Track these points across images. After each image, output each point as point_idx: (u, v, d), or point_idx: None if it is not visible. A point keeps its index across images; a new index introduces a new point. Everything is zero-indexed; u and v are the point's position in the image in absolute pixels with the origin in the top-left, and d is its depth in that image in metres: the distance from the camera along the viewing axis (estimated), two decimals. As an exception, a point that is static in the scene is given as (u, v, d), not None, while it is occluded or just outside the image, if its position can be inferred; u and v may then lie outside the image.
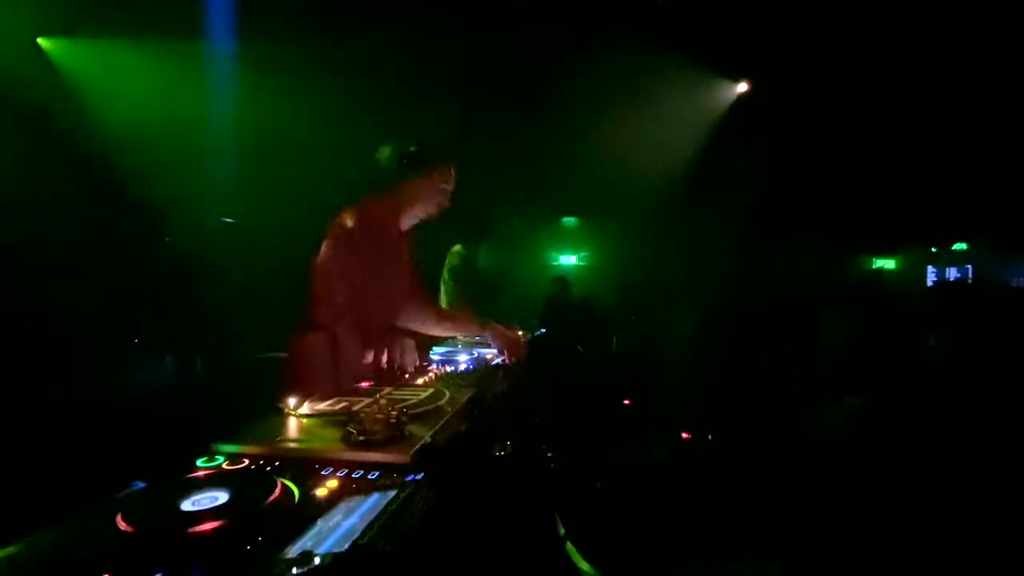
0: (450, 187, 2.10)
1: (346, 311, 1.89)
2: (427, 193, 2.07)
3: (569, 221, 9.63)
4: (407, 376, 1.75)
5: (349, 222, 1.93)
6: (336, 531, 0.75)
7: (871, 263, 9.47)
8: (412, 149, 2.04)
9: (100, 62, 4.80)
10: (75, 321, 3.81)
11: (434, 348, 2.30)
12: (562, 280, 5.76)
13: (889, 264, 9.54)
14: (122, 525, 0.72)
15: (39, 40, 4.61)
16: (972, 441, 2.03)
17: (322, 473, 0.95)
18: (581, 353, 3.51)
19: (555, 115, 6.03)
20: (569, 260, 9.64)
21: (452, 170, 2.10)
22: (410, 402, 1.28)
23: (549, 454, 1.78)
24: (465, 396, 1.40)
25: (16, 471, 2.25)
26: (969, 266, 8.98)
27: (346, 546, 0.72)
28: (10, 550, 0.71)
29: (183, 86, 4.67)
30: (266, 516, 0.77)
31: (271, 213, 4.60)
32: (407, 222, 2.11)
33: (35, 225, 3.99)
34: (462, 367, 1.91)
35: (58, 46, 4.69)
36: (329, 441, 1.07)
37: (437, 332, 2.19)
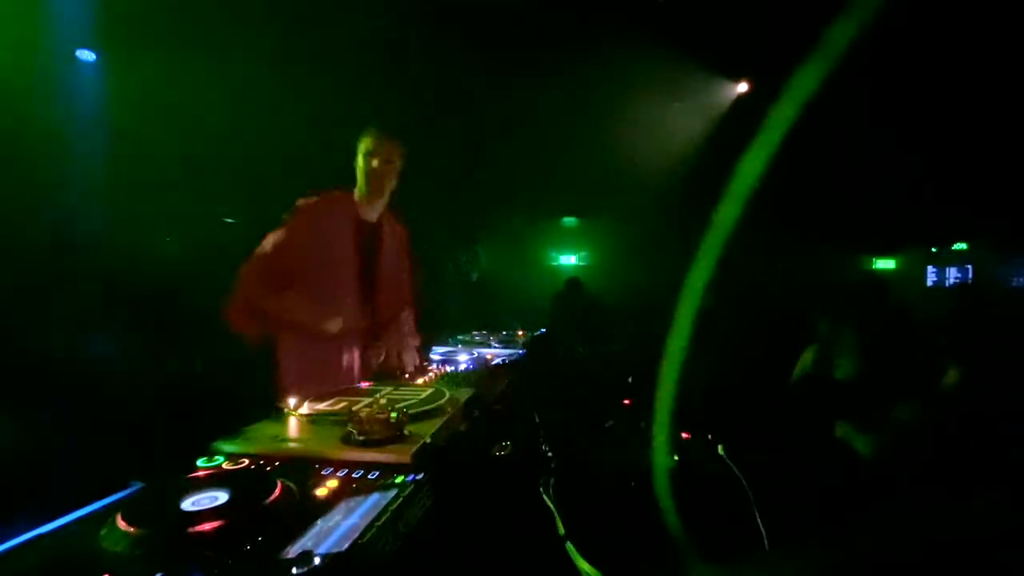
0: (376, 159, 1.93)
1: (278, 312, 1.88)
2: (363, 170, 1.95)
3: (569, 221, 9.64)
4: (407, 376, 1.75)
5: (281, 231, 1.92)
6: (336, 531, 0.75)
7: (871, 263, 9.47)
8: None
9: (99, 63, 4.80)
10: (74, 321, 3.81)
11: (434, 348, 2.30)
12: (573, 281, 5.75)
13: (889, 264, 9.54)
14: (122, 525, 0.72)
15: (39, 42, 4.61)
16: (977, 440, 2.03)
17: (322, 473, 0.95)
18: (581, 353, 3.51)
19: (555, 115, 6.03)
20: (569, 260, 9.65)
21: (372, 140, 1.94)
22: (410, 402, 1.28)
23: (549, 454, 1.78)
24: (465, 396, 1.40)
25: (16, 471, 2.25)
26: (969, 266, 8.98)
27: (346, 546, 0.72)
28: (10, 550, 0.71)
29: (183, 85, 4.67)
30: (266, 516, 0.77)
31: (272, 213, 4.59)
32: (366, 210, 2.01)
33: (35, 226, 4.00)
34: (462, 367, 1.91)
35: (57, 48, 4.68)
36: (329, 441, 1.07)
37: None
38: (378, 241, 2.05)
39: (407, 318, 2.15)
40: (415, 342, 2.07)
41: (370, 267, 2.02)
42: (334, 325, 1.91)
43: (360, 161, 1.95)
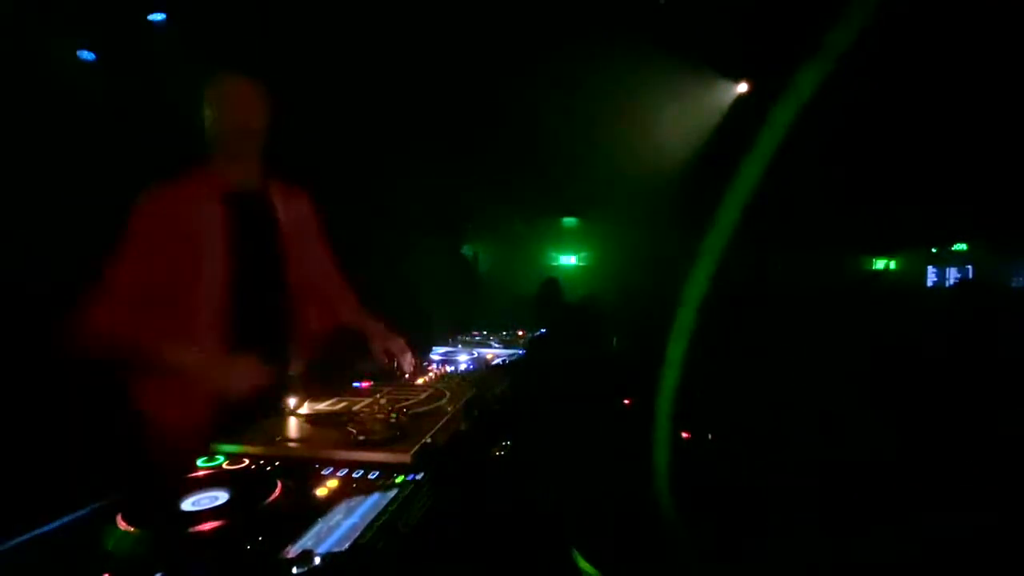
0: (228, 109, 1.55)
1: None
2: (213, 126, 1.55)
3: (569, 221, 9.65)
4: (407, 376, 1.75)
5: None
6: (336, 531, 0.75)
7: (871, 263, 9.48)
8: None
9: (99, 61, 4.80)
10: (74, 321, 3.81)
11: (434, 348, 2.30)
12: (551, 281, 5.75)
13: (889, 264, 9.55)
14: (122, 525, 0.72)
15: (42, 43, 4.61)
16: (978, 440, 2.03)
17: (322, 473, 0.95)
18: (581, 353, 3.51)
19: (556, 115, 6.03)
20: (569, 260, 9.66)
21: (221, 86, 1.56)
22: (410, 402, 1.29)
23: (548, 454, 1.78)
24: (465, 396, 1.40)
25: (16, 471, 2.25)
26: (969, 266, 8.99)
27: (346, 546, 0.72)
28: (11, 550, 0.71)
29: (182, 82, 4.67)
30: (266, 516, 0.78)
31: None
32: (230, 181, 1.57)
33: (36, 225, 4.00)
34: (462, 367, 1.91)
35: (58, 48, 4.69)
36: (329, 441, 1.07)
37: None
38: (263, 216, 1.62)
39: (359, 312, 1.84)
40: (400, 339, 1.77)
41: (258, 248, 1.58)
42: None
43: (208, 114, 1.54)
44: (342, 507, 0.82)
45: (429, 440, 1.07)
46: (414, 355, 1.81)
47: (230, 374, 1.38)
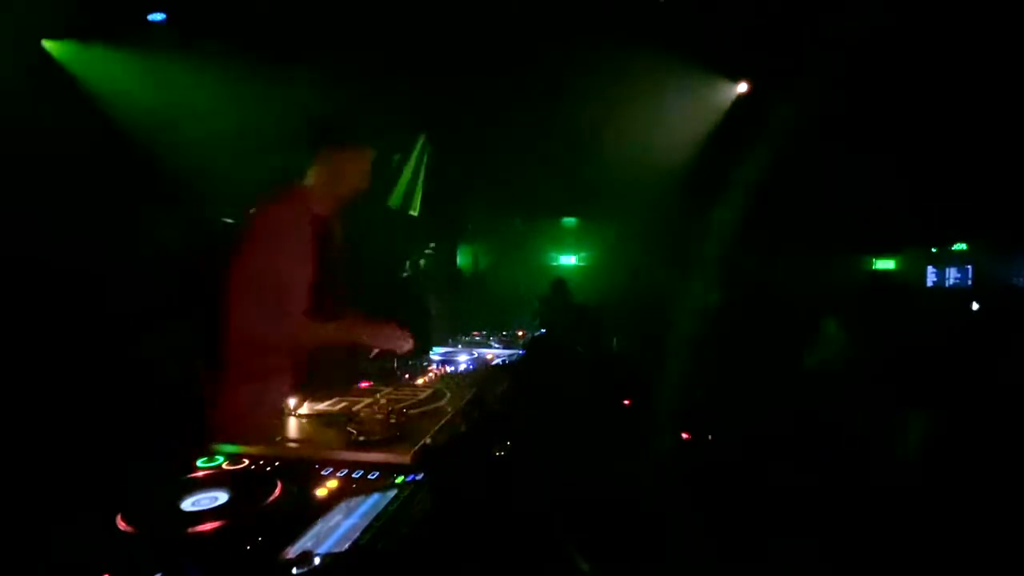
0: (367, 167, 1.86)
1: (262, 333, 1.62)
2: (343, 171, 1.84)
3: (569, 221, 9.65)
4: (407, 376, 1.75)
5: (253, 229, 1.72)
6: (336, 531, 0.75)
7: (871, 263, 9.48)
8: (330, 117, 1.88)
9: (101, 61, 4.80)
10: (75, 321, 3.81)
11: (434, 348, 2.30)
12: (559, 282, 5.77)
13: (889, 264, 9.55)
14: (122, 525, 0.72)
15: (43, 42, 4.60)
16: (976, 440, 2.03)
17: (322, 473, 0.95)
18: (581, 353, 3.51)
19: (555, 115, 6.03)
20: (569, 260, 9.67)
21: (372, 155, 1.88)
22: (410, 402, 1.29)
23: (548, 454, 1.78)
24: (465, 396, 1.41)
25: (16, 471, 2.25)
26: (969, 266, 8.98)
27: (346, 546, 0.72)
28: (10, 550, 0.70)
29: (182, 82, 4.67)
30: (266, 516, 0.77)
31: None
32: (322, 206, 1.84)
33: (35, 225, 4.00)
34: (462, 367, 1.91)
35: (61, 48, 4.68)
36: (329, 441, 1.07)
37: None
38: (333, 237, 1.90)
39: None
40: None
41: (330, 265, 1.85)
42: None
43: (355, 171, 1.84)
44: (342, 507, 0.82)
45: (429, 440, 1.07)
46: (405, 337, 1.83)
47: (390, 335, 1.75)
